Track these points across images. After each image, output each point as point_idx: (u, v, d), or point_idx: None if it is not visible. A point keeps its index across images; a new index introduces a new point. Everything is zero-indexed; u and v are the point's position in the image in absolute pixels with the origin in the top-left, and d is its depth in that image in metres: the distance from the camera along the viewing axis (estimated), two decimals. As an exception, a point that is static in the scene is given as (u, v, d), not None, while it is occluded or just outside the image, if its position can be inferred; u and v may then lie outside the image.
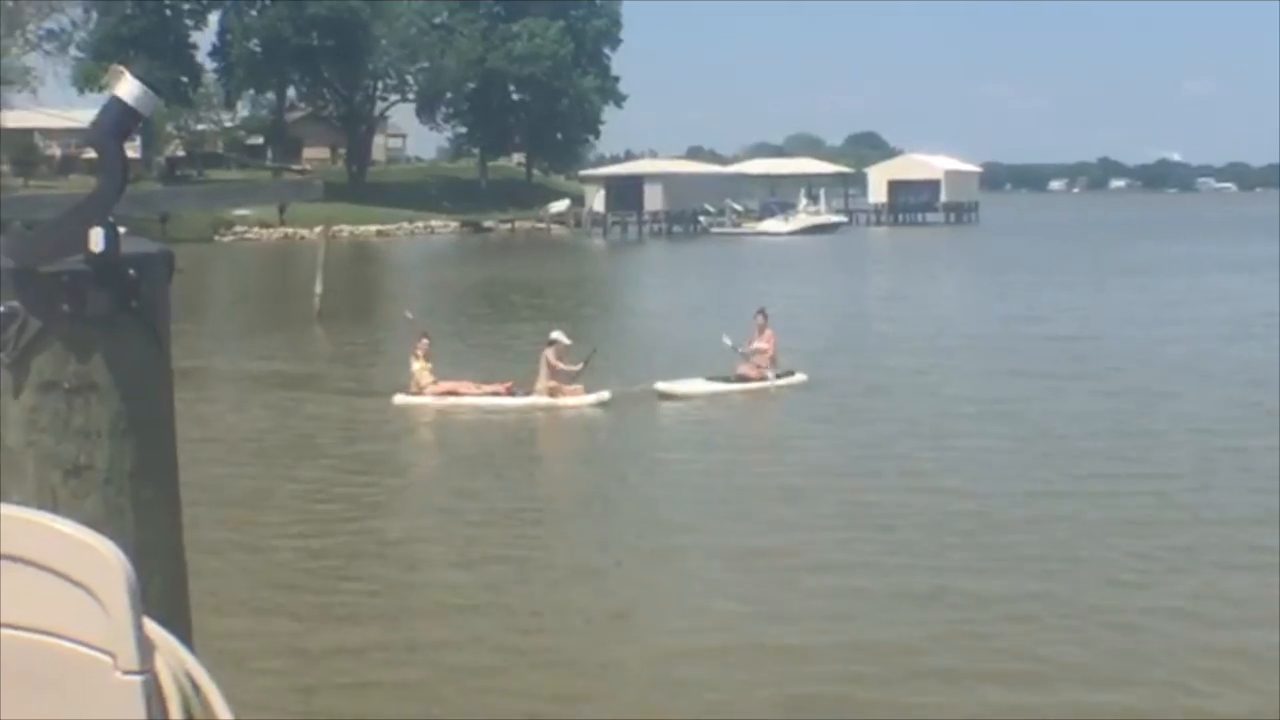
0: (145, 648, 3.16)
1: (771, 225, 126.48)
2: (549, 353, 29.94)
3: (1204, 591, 16.09)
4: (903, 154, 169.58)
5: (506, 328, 45.06)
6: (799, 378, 31.99)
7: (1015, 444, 25.00)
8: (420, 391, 30.05)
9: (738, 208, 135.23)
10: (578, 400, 29.60)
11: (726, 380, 31.38)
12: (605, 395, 29.77)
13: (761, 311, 32.78)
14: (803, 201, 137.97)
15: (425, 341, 30.65)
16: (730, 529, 19.05)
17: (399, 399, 30.06)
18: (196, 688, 3.26)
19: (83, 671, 3.15)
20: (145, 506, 3.50)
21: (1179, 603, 15.58)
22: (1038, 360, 35.71)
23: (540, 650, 14.27)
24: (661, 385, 30.75)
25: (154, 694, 3.18)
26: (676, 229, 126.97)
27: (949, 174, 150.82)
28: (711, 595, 16.07)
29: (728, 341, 31.97)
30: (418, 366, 30.26)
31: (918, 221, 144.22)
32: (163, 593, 3.46)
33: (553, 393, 29.57)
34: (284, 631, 14.80)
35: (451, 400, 29.78)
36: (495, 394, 29.94)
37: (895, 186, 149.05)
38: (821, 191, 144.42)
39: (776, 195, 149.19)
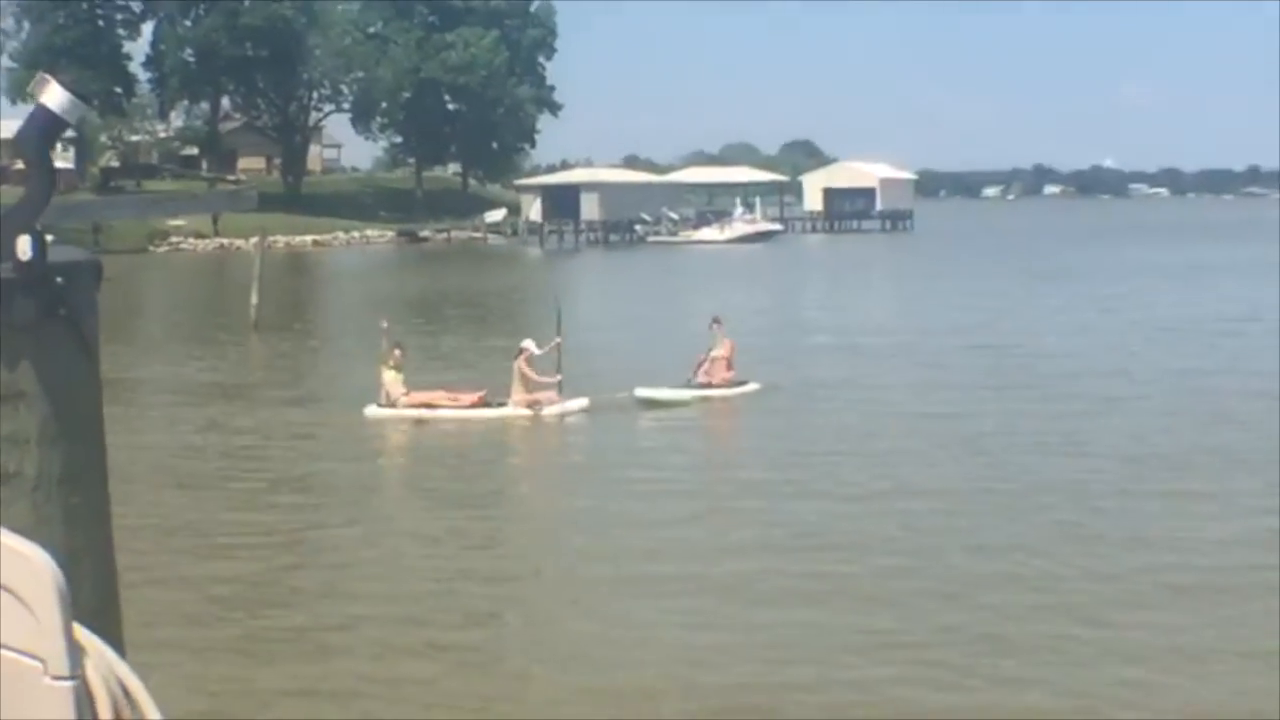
0: (75, 653, 3.16)
1: (708, 234, 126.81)
2: (520, 362, 29.65)
3: (1141, 611, 16.16)
4: (838, 161, 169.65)
5: (445, 339, 44.88)
6: (752, 386, 32.17)
7: (954, 456, 24.99)
8: (392, 403, 29.61)
9: (674, 216, 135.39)
10: (555, 409, 29.30)
11: (688, 386, 31.62)
12: (583, 402, 29.67)
13: (716, 320, 32.99)
14: (738, 210, 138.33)
15: (398, 352, 30.22)
16: (686, 554, 18.59)
17: (371, 411, 29.61)
18: (127, 692, 3.27)
19: (13, 677, 3.14)
20: (75, 513, 3.50)
21: (1121, 627, 15.49)
22: (971, 372, 35.89)
23: (475, 693, 13.83)
24: (641, 391, 30.83)
25: (84, 699, 3.18)
26: (614, 238, 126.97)
27: (884, 181, 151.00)
28: (653, 628, 15.59)
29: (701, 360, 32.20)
30: (390, 377, 29.75)
31: (853, 229, 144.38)
32: (93, 599, 3.46)
33: (530, 405, 29.35)
34: (206, 668, 14.23)
35: (425, 412, 29.36)
36: (471, 405, 29.58)
37: (831, 194, 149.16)
38: (757, 199, 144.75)
39: (713, 204, 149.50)
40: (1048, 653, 14.36)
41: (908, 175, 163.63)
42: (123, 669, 3.29)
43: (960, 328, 46.20)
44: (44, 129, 3.46)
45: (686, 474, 24.39)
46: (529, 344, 30.04)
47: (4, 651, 3.15)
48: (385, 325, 30.81)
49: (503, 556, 19.37)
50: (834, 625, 15.43)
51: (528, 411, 29.27)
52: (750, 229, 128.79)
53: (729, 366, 32.30)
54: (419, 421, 29.06)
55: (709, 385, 31.79)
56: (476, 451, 26.67)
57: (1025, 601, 16.14)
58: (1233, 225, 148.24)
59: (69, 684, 3.15)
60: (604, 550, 19.00)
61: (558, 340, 30.24)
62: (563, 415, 29.30)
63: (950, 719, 12.89)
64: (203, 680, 13.57)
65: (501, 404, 29.60)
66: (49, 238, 3.42)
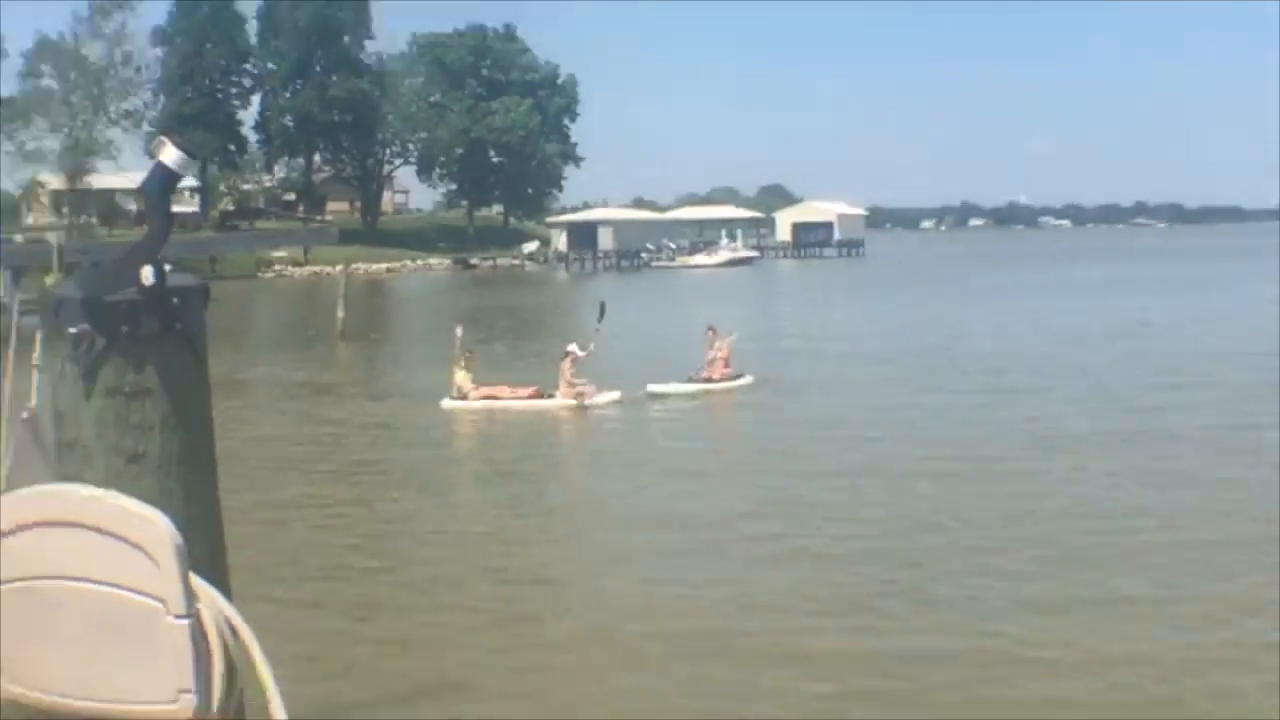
0: (190, 597, 3.20)
1: (699, 259, 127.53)
2: (565, 363, 29.57)
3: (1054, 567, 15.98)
4: (804, 201, 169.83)
5: (494, 346, 44.62)
6: (747, 379, 32.03)
7: (905, 438, 24.85)
8: (463, 396, 29.52)
9: (672, 246, 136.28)
10: (594, 401, 29.09)
11: (692, 381, 31.41)
12: (616, 395, 29.46)
13: (711, 328, 32.86)
14: (723, 240, 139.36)
15: (470, 355, 30.24)
16: (690, 523, 18.09)
17: (446, 403, 29.46)
18: (234, 630, 3.29)
19: (140, 616, 3.18)
20: (190, 487, 3.54)
21: (1026, 579, 15.31)
22: (917, 369, 35.53)
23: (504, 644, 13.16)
24: (653, 387, 30.76)
25: (199, 634, 3.21)
26: (625, 264, 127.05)
27: (841, 216, 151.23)
28: (652, 584, 15.28)
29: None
30: (461, 375, 29.70)
31: (816, 255, 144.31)
32: (205, 557, 3.47)
33: (575, 396, 29.18)
34: (295, 617, 13.77)
35: (491, 403, 29.21)
36: (529, 397, 29.47)
37: (798, 227, 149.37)
38: (739, 232, 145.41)
39: (703, 236, 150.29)
40: (965, 603, 13.96)
41: (860, 211, 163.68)
42: (230, 611, 3.31)
43: (907, 332, 46.09)
44: (162, 180, 3.52)
45: (696, 454, 23.90)
46: (574, 347, 29.90)
47: (133, 595, 3.19)
48: (460, 332, 30.74)
49: (542, 525, 18.93)
50: (812, 580, 14.99)
51: (573, 402, 29.14)
52: (733, 256, 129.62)
53: (727, 364, 32.20)
54: (486, 411, 28.89)
55: (710, 380, 31.65)
56: (531, 435, 26.42)
57: (959, 559, 15.75)
58: (1123, 251, 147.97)
59: (185, 621, 3.19)
60: (623, 518, 18.66)
61: (592, 347, 30.10)
62: (597, 406, 29.12)
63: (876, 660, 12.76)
64: (291, 627, 13.17)
65: (551, 395, 29.56)
66: (167, 267, 3.47)
